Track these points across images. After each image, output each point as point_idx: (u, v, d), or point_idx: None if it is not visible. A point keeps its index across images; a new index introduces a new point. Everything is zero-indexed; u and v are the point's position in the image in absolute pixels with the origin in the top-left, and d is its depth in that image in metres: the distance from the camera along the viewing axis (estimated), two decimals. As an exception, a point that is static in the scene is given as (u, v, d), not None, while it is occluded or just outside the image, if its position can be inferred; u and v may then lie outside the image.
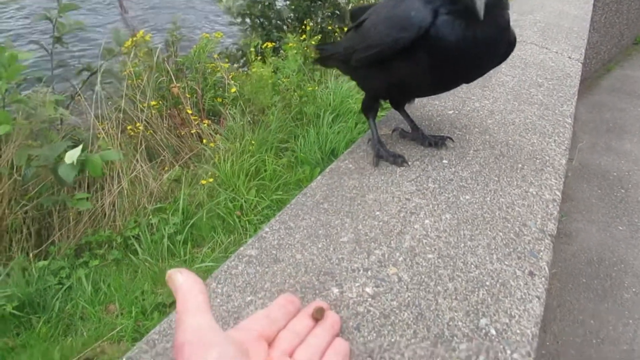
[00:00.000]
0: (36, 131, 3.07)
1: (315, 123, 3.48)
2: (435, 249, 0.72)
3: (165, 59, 4.15)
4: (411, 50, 0.82)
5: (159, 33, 5.34)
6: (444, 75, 0.86)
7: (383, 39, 0.86)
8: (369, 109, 1.04)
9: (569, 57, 1.65)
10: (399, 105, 1.08)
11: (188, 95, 3.90)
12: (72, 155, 2.23)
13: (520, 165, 0.96)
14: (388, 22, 0.86)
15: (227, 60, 4.71)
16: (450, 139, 1.02)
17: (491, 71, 0.94)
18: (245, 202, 2.97)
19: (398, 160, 0.96)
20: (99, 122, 3.47)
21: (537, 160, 0.98)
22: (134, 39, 3.77)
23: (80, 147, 2.33)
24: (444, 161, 0.95)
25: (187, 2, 9.56)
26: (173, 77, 3.89)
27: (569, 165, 3.49)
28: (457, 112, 1.17)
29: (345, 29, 1.18)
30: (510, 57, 0.94)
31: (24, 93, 3.13)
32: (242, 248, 0.72)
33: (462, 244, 0.73)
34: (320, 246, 0.72)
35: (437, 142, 1.01)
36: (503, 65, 1.48)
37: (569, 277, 2.40)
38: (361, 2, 5.32)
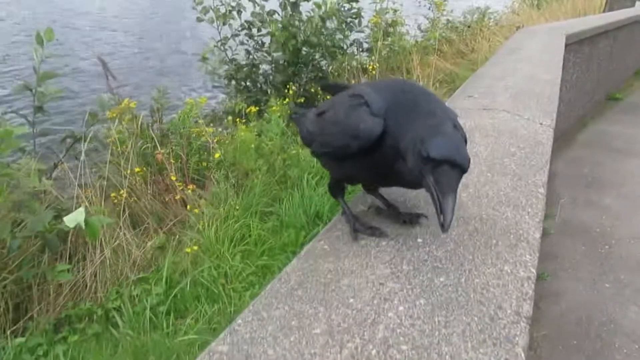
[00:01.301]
0: (18, 202, 3.04)
1: (299, 186, 3.50)
2: (409, 339, 0.71)
3: (150, 125, 4.20)
4: (360, 153, 0.90)
5: (144, 97, 5.42)
6: (389, 174, 0.91)
7: (336, 142, 0.94)
8: (336, 190, 1.09)
9: (541, 124, 1.70)
10: (366, 188, 1.13)
11: (173, 161, 3.91)
12: (74, 219, 2.21)
13: (494, 242, 0.96)
14: (340, 128, 0.94)
15: (211, 124, 4.78)
16: (425, 216, 1.03)
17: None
18: (230, 268, 2.93)
19: (376, 232, 0.98)
20: (82, 189, 3.45)
21: (512, 235, 0.99)
22: (119, 106, 3.82)
23: (83, 208, 2.32)
24: (419, 240, 0.95)
25: (173, 65, 9.79)
26: (158, 144, 3.92)
27: (552, 222, 3.52)
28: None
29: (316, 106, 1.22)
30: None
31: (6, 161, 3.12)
32: (213, 344, 0.71)
33: (437, 332, 0.72)
34: (292, 339, 0.71)
35: (411, 219, 1.02)
36: (477, 134, 1.52)
37: (559, 338, 2.37)
38: (342, 65, 5.49)
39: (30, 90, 3.47)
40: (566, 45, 4.00)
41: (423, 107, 0.90)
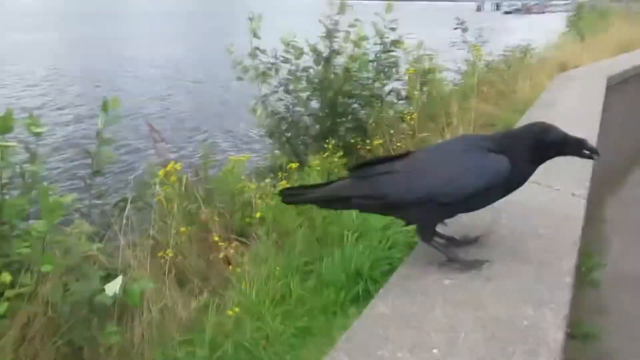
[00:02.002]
0: (70, 267, 3.19)
1: (339, 243, 3.52)
2: None
3: (195, 184, 4.36)
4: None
5: (190, 148, 5.63)
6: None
7: (462, 188, 1.17)
8: (430, 235, 1.27)
9: (573, 194, 1.68)
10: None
11: (217, 219, 4.03)
12: (113, 288, 2.32)
13: (511, 349, 0.96)
14: (463, 173, 1.18)
15: (254, 179, 4.90)
16: (476, 239, 1.36)
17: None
18: (270, 330, 2.95)
19: (476, 264, 1.24)
20: (130, 249, 3.60)
21: (531, 339, 0.99)
22: (166, 169, 4.00)
23: (120, 278, 2.43)
24: (434, 351, 0.96)
25: (220, 122, 10.18)
26: (202, 203, 4.05)
27: (602, 273, 3.38)
28: (454, 280, 1.19)
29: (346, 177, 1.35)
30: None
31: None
32: None
33: None
34: None
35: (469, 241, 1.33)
36: (503, 214, 1.52)
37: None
38: (380, 114, 5.55)
39: (90, 154, 3.69)
40: (609, 86, 3.93)
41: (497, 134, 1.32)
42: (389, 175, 1.23)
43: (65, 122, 10.91)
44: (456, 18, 7.82)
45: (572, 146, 1.26)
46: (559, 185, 1.74)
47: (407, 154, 1.28)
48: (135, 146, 7.73)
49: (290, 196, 1.39)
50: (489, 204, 1.27)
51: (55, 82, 16.89)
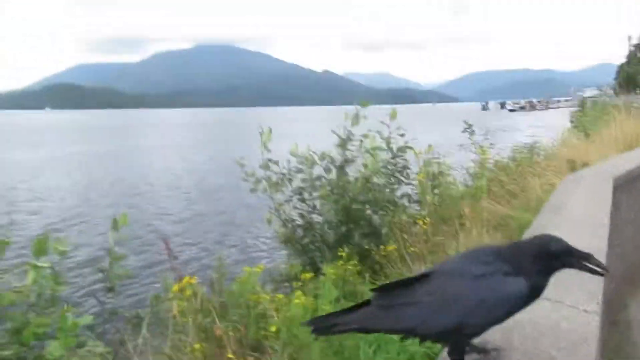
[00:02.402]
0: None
1: (356, 356, 3.43)
2: None
3: (209, 298, 4.35)
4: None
5: (205, 265, 5.66)
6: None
7: (487, 319, 1.24)
8: (461, 354, 1.31)
9: (585, 311, 1.67)
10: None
11: (231, 333, 3.98)
12: None
13: None
14: (488, 306, 1.22)
15: (269, 289, 4.89)
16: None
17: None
18: None
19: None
20: (144, 368, 3.54)
21: None
22: (180, 284, 4.02)
23: None
24: None
25: (235, 231, 10.34)
26: (216, 317, 4.02)
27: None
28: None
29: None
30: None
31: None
32: None
33: None
34: None
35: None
36: (515, 335, 1.51)
37: None
38: (394, 219, 5.61)
39: (103, 272, 3.74)
40: (617, 186, 3.98)
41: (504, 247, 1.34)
42: (414, 307, 1.27)
43: (87, 235, 11.15)
44: (464, 121, 8.14)
45: (578, 259, 1.28)
46: (571, 300, 1.73)
47: (427, 275, 1.32)
48: (152, 259, 7.84)
49: (319, 329, 1.42)
50: (508, 319, 1.32)
51: (79, 194, 17.48)
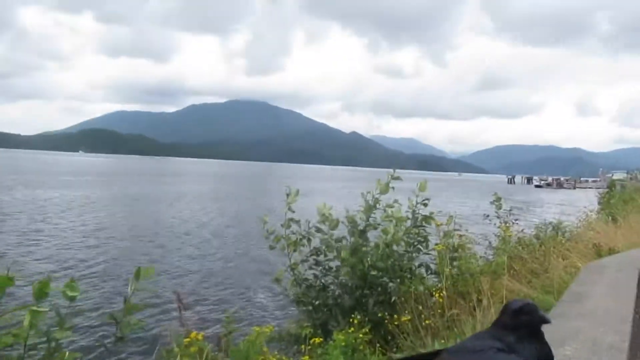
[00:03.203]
0: None
1: None
2: None
3: (215, 354, 4.26)
4: None
5: (215, 321, 5.58)
6: None
7: None
8: None
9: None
10: None
11: (235, 395, 3.87)
12: None
13: None
14: None
15: (278, 350, 4.78)
16: None
17: None
18: None
19: None
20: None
21: None
22: (188, 339, 3.96)
23: None
24: None
25: (248, 287, 10.25)
26: (221, 376, 3.93)
27: None
28: None
29: None
30: None
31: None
32: None
33: None
34: None
35: None
36: None
37: None
38: (409, 289, 5.50)
39: (116, 320, 3.70)
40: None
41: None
42: None
43: (99, 280, 11.18)
44: (494, 194, 8.12)
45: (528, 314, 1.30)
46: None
47: (437, 353, 1.34)
48: (163, 309, 7.77)
49: None
50: None
51: (95, 237, 17.67)
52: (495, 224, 8.17)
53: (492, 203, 8.15)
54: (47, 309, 2.64)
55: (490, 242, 7.98)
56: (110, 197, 35.20)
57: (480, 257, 7.00)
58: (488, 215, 8.42)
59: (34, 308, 2.57)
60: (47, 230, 18.51)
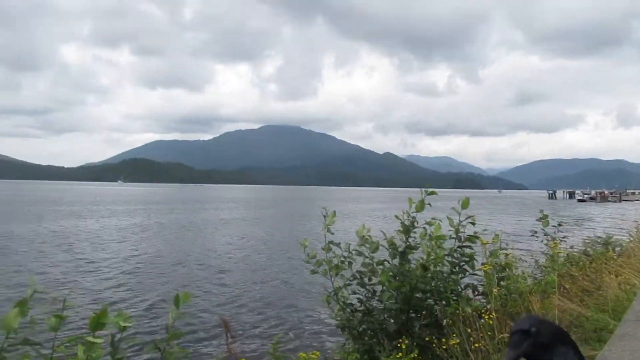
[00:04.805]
0: None
1: None
2: None
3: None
4: None
5: (259, 347, 5.55)
6: None
7: None
8: None
9: None
10: None
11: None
12: None
13: None
14: None
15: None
16: None
17: None
18: None
19: None
20: None
21: None
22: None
23: None
24: None
25: (292, 314, 10.20)
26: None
27: None
28: None
29: None
30: None
31: None
32: None
33: None
34: None
35: None
36: None
37: None
38: (456, 311, 5.35)
39: (159, 349, 3.72)
40: None
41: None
42: None
43: (144, 309, 11.33)
44: (540, 211, 7.92)
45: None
46: None
47: None
48: (207, 334, 7.80)
49: None
50: None
51: (136, 265, 17.99)
52: (542, 241, 7.93)
53: (539, 220, 7.95)
54: (101, 340, 2.68)
55: (536, 260, 7.73)
56: (158, 225, 36.02)
57: (529, 275, 6.78)
58: (535, 232, 8.20)
59: (89, 339, 2.61)
60: (102, 260, 19.00)
